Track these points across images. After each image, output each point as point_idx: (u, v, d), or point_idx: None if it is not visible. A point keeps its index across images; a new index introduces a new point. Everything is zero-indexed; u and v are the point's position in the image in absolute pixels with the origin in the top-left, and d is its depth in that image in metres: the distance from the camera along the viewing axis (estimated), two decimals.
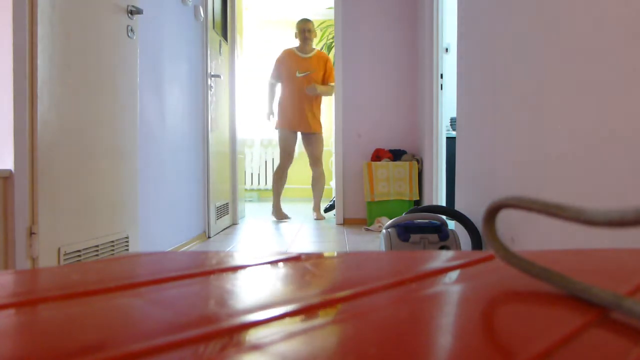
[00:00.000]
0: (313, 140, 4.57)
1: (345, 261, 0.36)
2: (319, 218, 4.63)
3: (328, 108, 7.02)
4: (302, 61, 4.51)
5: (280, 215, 4.67)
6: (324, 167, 6.92)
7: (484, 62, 2.39)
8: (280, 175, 4.63)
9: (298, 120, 4.50)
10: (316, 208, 4.71)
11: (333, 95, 4.49)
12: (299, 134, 4.64)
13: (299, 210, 5.59)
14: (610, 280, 0.30)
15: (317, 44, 6.97)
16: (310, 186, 5.88)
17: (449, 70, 3.75)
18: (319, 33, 7.05)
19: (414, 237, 2.24)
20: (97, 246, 1.99)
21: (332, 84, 4.52)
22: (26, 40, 1.61)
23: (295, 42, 4.73)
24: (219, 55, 4.00)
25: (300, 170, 7.11)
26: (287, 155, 4.59)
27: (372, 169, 4.10)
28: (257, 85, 7.29)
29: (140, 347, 0.19)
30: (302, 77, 4.48)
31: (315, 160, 4.60)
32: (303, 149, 6.78)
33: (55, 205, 1.74)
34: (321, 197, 4.73)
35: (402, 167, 4.09)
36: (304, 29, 4.53)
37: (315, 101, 4.54)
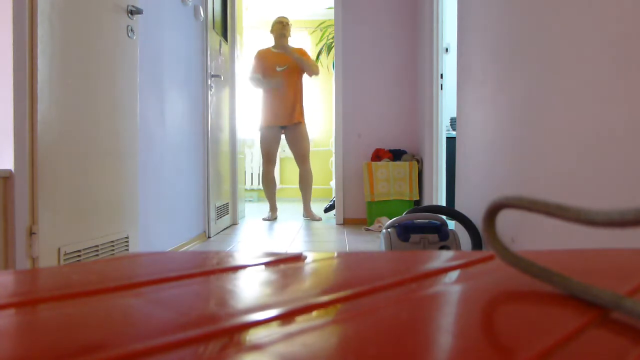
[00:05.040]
0: (297, 133, 4.50)
1: (345, 261, 0.36)
2: (315, 219, 4.57)
3: (328, 107, 7.03)
4: (279, 56, 4.50)
5: (273, 215, 4.69)
6: (323, 165, 6.91)
7: (484, 62, 2.39)
8: (267, 182, 4.62)
9: (282, 113, 4.46)
10: (307, 209, 4.66)
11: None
12: (282, 137, 4.62)
13: (298, 210, 5.58)
14: (610, 280, 0.30)
15: (317, 44, 6.98)
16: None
17: (449, 70, 3.75)
18: (318, 33, 7.05)
19: (414, 237, 2.24)
20: (97, 246, 1.99)
21: (311, 62, 4.48)
22: (26, 40, 1.61)
23: (270, 43, 4.69)
24: (219, 55, 4.00)
25: (296, 169, 7.11)
26: (268, 159, 4.56)
27: (372, 169, 4.10)
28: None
29: (141, 347, 0.19)
30: (283, 70, 4.47)
31: (302, 157, 4.54)
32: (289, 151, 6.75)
33: (55, 205, 1.74)
34: (310, 196, 4.68)
35: (402, 167, 4.09)
36: (279, 22, 4.51)
37: (299, 92, 4.53)
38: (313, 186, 5.69)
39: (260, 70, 4.53)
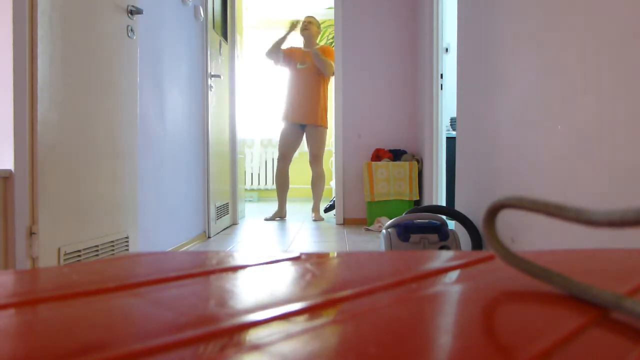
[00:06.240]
0: (313, 134, 4.53)
1: (345, 261, 0.36)
2: (318, 219, 4.59)
3: (328, 105, 7.02)
4: (304, 54, 4.58)
5: (277, 214, 4.68)
6: (324, 167, 6.92)
7: (484, 62, 2.39)
8: (280, 182, 4.62)
9: (299, 110, 4.51)
10: (315, 209, 4.68)
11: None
12: (303, 136, 4.63)
13: (299, 210, 5.59)
14: (610, 280, 0.30)
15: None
16: (310, 186, 5.85)
17: (449, 70, 3.75)
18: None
19: (414, 237, 2.24)
20: (97, 246, 1.99)
21: (331, 61, 4.51)
22: (26, 40, 1.61)
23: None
24: (219, 55, 4.00)
25: (300, 170, 7.11)
26: (282, 155, 4.57)
27: (372, 169, 4.10)
28: (257, 85, 7.29)
29: (140, 347, 0.19)
30: (303, 68, 4.52)
31: (314, 158, 4.57)
32: (305, 149, 6.77)
33: (55, 205, 1.74)
34: (320, 198, 4.70)
35: (402, 167, 4.09)
36: (303, 22, 4.65)
37: (320, 93, 4.54)
38: None
39: (286, 59, 4.58)
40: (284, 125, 4.60)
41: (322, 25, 7.03)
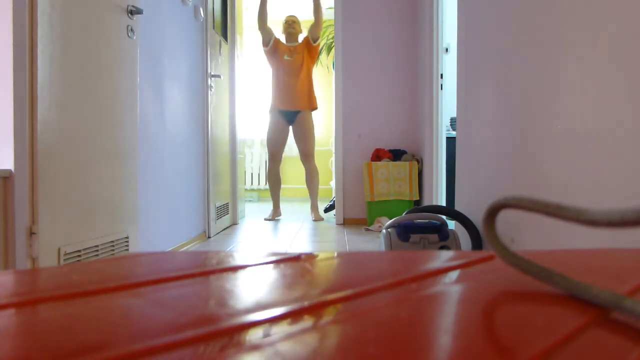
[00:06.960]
0: (303, 123, 4.51)
1: (345, 261, 0.36)
2: (318, 219, 4.56)
3: (328, 107, 7.03)
4: (289, 49, 4.61)
5: (274, 214, 4.68)
6: (323, 165, 6.91)
7: (484, 62, 2.39)
8: (270, 181, 4.62)
9: (289, 98, 4.51)
10: (314, 208, 4.65)
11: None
12: (289, 129, 4.63)
13: (298, 210, 5.59)
14: (610, 280, 0.30)
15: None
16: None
17: (449, 70, 3.75)
18: None
19: (414, 237, 2.24)
20: (97, 246, 1.99)
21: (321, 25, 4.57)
22: (26, 40, 1.61)
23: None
24: (219, 55, 4.00)
25: (297, 169, 7.11)
26: (272, 155, 4.56)
27: (372, 169, 4.10)
28: (257, 85, 7.29)
29: (140, 347, 0.19)
30: (290, 60, 4.56)
31: (305, 156, 4.54)
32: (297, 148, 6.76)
33: (55, 205, 1.74)
34: (317, 195, 4.67)
35: (402, 167, 4.09)
36: (287, 21, 4.69)
37: (308, 80, 4.56)
38: None
39: (274, 48, 4.60)
40: (271, 118, 4.57)
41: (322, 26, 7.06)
